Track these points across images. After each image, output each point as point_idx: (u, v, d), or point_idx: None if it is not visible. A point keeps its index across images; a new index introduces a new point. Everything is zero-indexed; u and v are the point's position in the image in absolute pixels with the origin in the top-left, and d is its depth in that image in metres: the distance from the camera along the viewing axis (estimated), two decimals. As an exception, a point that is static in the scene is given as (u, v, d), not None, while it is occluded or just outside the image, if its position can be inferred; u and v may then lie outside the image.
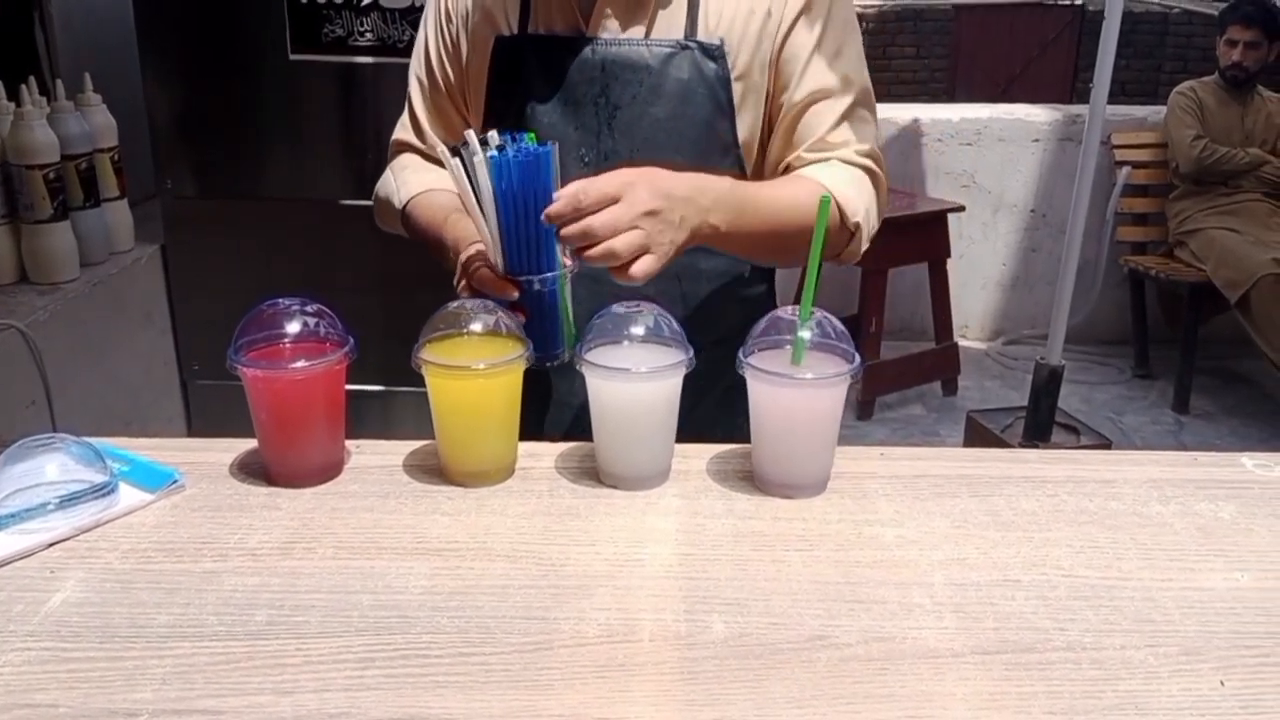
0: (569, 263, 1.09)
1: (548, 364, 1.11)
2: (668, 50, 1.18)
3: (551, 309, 1.10)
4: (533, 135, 1.05)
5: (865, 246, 1.23)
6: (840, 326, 0.98)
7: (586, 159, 1.21)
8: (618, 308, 1.01)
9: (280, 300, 1.00)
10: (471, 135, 1.04)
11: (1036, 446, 3.08)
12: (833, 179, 1.18)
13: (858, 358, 0.95)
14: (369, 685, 0.70)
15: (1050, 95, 6.48)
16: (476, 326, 1.00)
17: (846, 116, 1.21)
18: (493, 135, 1.04)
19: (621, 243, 0.99)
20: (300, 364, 0.96)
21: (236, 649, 0.74)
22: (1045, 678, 0.72)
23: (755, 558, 0.87)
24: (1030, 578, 0.84)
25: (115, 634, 0.76)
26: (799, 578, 0.84)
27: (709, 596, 0.81)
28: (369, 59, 2.36)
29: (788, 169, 1.22)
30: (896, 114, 4.43)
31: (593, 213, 0.99)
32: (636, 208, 1.00)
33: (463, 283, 1.13)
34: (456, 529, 0.91)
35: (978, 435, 3.31)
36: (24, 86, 2.08)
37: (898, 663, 0.73)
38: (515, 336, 1.00)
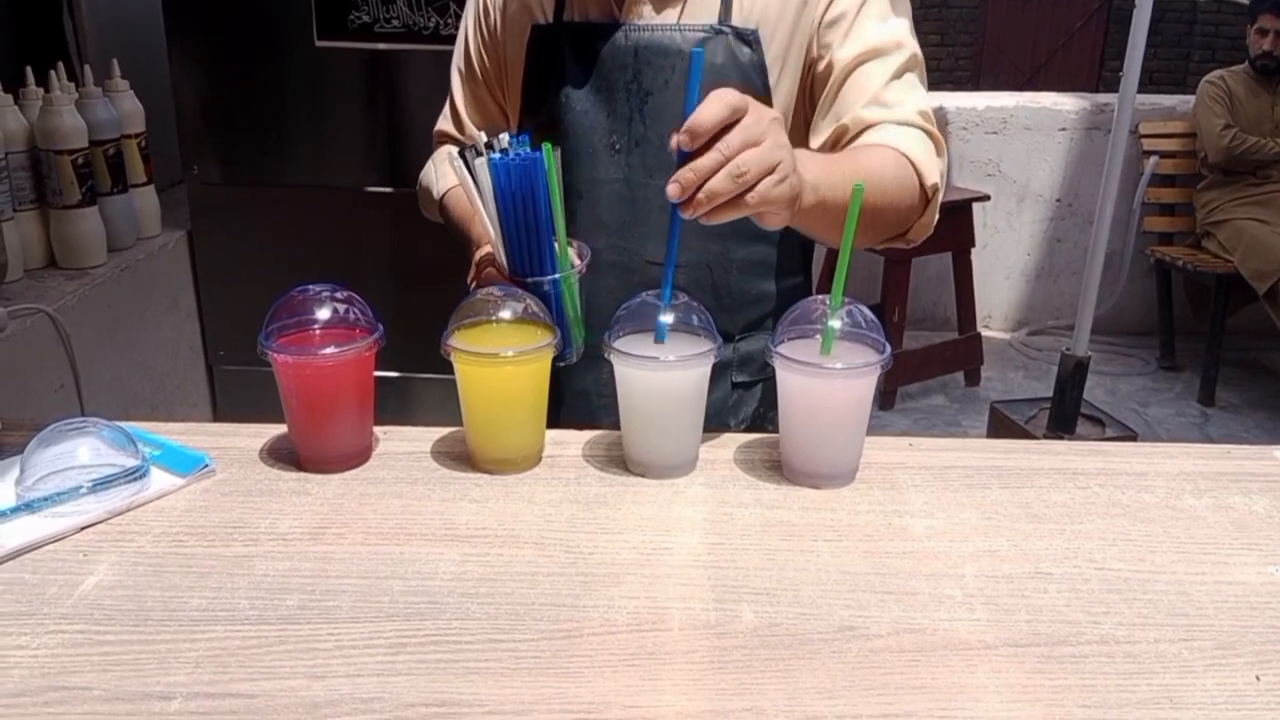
0: (577, 263, 1.10)
1: (554, 364, 1.11)
2: (701, 35, 1.17)
3: (556, 310, 1.09)
4: (548, 147, 1.04)
5: (937, 217, 1.17)
6: (871, 316, 0.97)
7: (617, 145, 1.21)
8: (648, 296, 1.00)
9: (310, 286, 1.00)
10: (479, 137, 1.06)
11: (1061, 438, 3.06)
12: (905, 140, 1.12)
13: (888, 348, 0.95)
14: (400, 671, 0.71)
15: (1076, 84, 6.43)
16: (505, 314, 1.00)
17: (902, 75, 1.16)
18: (501, 138, 1.05)
19: (754, 158, 0.87)
20: (330, 350, 0.96)
21: (269, 633, 0.74)
22: (1079, 671, 0.71)
23: (784, 548, 0.86)
24: (1062, 570, 0.83)
25: (148, 617, 0.76)
26: (828, 568, 0.83)
27: (738, 586, 0.81)
28: (395, 46, 2.36)
29: (842, 131, 1.16)
30: (921, 102, 4.40)
31: (722, 128, 0.88)
32: (765, 118, 0.89)
33: (474, 281, 1.14)
34: (485, 516, 0.91)
35: (1001, 426, 3.29)
36: (53, 73, 2.09)
37: (929, 654, 0.73)
38: (544, 324, 1.00)
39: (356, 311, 1.00)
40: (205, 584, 0.80)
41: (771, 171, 0.89)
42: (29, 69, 2.12)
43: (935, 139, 1.18)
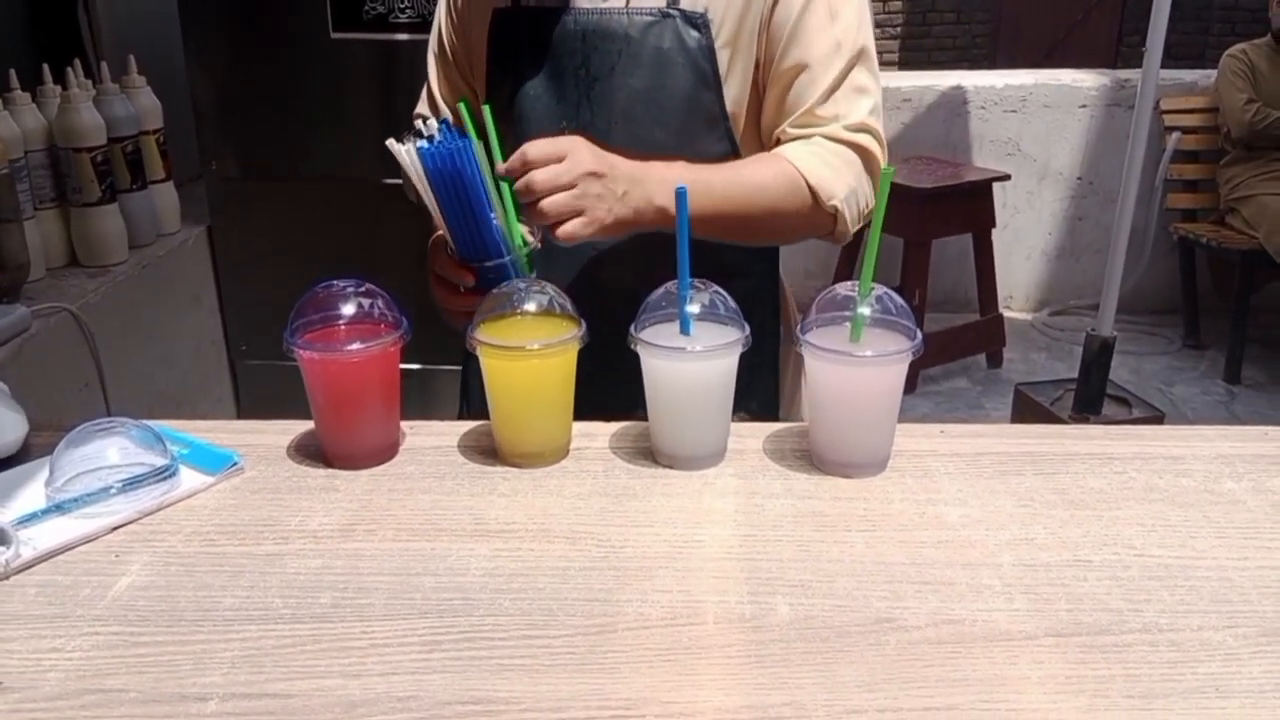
0: (531, 240, 1.09)
1: None
2: (648, 19, 1.15)
3: None
4: (471, 125, 1.06)
5: (858, 225, 1.18)
6: (901, 302, 0.96)
7: (566, 131, 1.18)
8: (671, 286, 0.99)
9: (334, 282, 1.00)
10: (419, 124, 1.06)
11: (1087, 419, 3.03)
12: (808, 160, 1.13)
13: (919, 334, 0.94)
14: (435, 668, 0.70)
15: (1095, 59, 6.34)
16: (531, 306, 1.00)
17: (836, 87, 1.15)
18: (429, 123, 1.05)
19: (551, 203, 1.01)
20: (356, 346, 0.96)
21: (303, 632, 0.74)
22: (1122, 660, 0.70)
23: (817, 539, 0.85)
24: (1102, 557, 0.82)
25: (182, 617, 0.76)
26: (863, 559, 0.82)
27: (772, 578, 0.80)
28: (409, 36, 2.35)
29: (777, 143, 1.18)
30: (939, 81, 4.36)
31: (538, 167, 1.01)
32: (578, 168, 1.02)
33: (432, 273, 1.13)
34: (514, 510, 0.91)
35: (1026, 408, 3.26)
36: (69, 70, 2.09)
37: (969, 645, 0.72)
38: (570, 316, 0.99)
39: (381, 307, 0.99)
40: (238, 583, 0.80)
41: (579, 214, 1.02)
42: (46, 67, 2.12)
43: (865, 152, 1.16)
